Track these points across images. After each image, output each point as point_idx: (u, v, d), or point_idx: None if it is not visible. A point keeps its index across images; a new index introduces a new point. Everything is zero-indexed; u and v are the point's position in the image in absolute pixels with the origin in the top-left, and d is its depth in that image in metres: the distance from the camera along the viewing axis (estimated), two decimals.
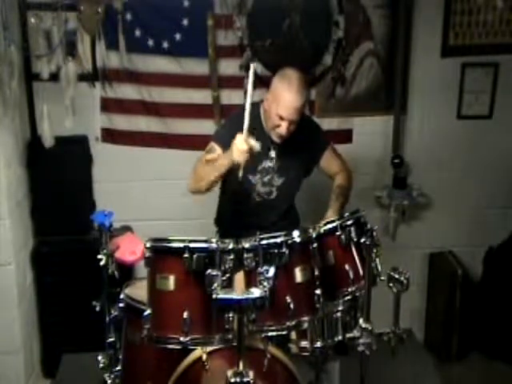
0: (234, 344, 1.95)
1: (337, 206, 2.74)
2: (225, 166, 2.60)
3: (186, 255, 2.05)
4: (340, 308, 2.28)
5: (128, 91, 3.55)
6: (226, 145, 2.66)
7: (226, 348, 2.14)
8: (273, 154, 2.83)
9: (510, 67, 3.68)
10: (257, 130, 2.72)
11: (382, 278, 2.24)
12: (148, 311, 2.12)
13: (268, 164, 2.84)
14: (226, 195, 3.01)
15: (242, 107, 2.82)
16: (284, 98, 2.64)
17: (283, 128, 2.68)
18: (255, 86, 2.56)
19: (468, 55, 3.66)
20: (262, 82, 3.10)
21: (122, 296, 2.47)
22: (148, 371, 2.42)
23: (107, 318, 2.51)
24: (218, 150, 2.73)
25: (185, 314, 2.05)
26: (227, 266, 2.08)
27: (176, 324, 2.07)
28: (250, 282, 2.10)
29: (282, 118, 2.66)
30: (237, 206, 2.93)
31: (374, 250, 2.22)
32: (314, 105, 3.64)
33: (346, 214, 2.32)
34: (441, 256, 3.88)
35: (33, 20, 3.22)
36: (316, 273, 2.16)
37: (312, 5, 3.49)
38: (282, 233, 2.15)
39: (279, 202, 2.91)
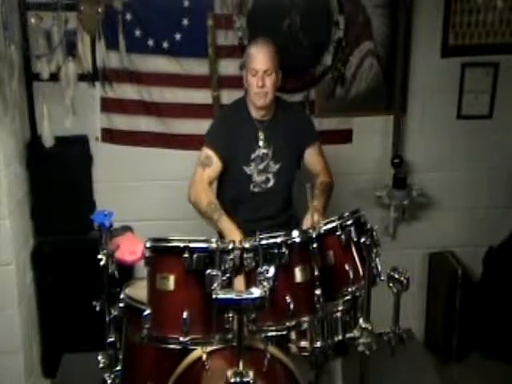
0: (234, 344, 1.96)
1: (322, 200, 2.75)
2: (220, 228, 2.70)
3: (185, 255, 2.05)
4: (340, 308, 2.28)
5: (128, 91, 3.55)
6: (219, 146, 2.84)
7: (226, 348, 2.14)
8: (261, 136, 2.88)
9: (510, 67, 3.68)
10: (245, 119, 2.88)
11: (382, 278, 2.25)
12: (148, 311, 2.12)
13: (262, 151, 2.89)
14: (223, 192, 3.01)
15: (227, 105, 3.09)
16: (252, 53, 2.81)
17: (258, 79, 2.76)
18: None
19: (468, 55, 3.66)
20: None
21: (122, 296, 2.46)
22: (148, 371, 2.42)
23: (107, 318, 2.51)
24: (214, 158, 2.83)
25: (185, 314, 2.06)
26: (227, 266, 2.08)
27: (176, 324, 2.07)
28: (249, 282, 2.10)
29: (255, 73, 2.77)
30: (235, 202, 2.94)
31: (374, 250, 2.22)
32: (314, 105, 3.64)
33: (346, 213, 2.32)
34: (441, 256, 3.88)
35: (33, 20, 3.21)
36: (316, 273, 2.17)
37: (312, 5, 3.49)
38: (282, 233, 2.16)
39: (278, 189, 2.93)
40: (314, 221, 2.44)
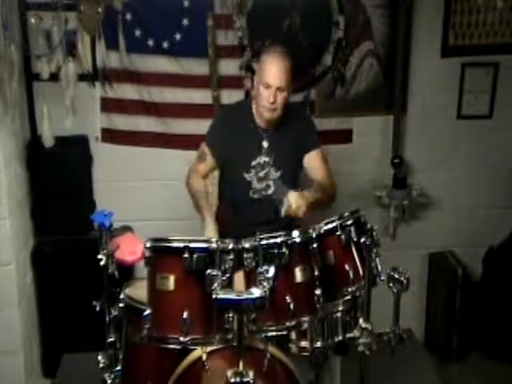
0: (234, 344, 1.95)
1: (313, 194, 2.66)
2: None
3: (185, 255, 2.05)
4: (340, 308, 2.28)
5: (128, 91, 3.55)
6: (216, 146, 2.86)
7: (226, 348, 2.14)
8: (265, 144, 2.85)
9: (510, 67, 3.69)
10: (248, 125, 2.85)
11: (382, 278, 2.24)
12: (148, 311, 2.12)
13: (263, 159, 2.86)
14: (224, 196, 3.01)
15: (229, 105, 3.09)
16: (267, 66, 2.73)
17: (270, 95, 2.70)
18: None
19: (468, 55, 3.67)
20: None
21: (122, 296, 2.46)
22: (148, 371, 2.41)
23: (107, 318, 2.51)
24: (208, 155, 2.88)
25: (185, 314, 2.05)
26: (227, 266, 2.08)
27: (176, 324, 2.07)
28: (249, 282, 2.10)
29: (268, 87, 2.71)
30: (235, 206, 2.94)
31: (374, 250, 2.22)
32: (314, 105, 3.65)
33: (346, 213, 2.31)
34: (441, 256, 3.88)
35: (33, 20, 3.22)
36: (316, 273, 2.16)
37: (312, 5, 3.50)
38: (282, 233, 2.15)
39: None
40: (294, 205, 2.52)
